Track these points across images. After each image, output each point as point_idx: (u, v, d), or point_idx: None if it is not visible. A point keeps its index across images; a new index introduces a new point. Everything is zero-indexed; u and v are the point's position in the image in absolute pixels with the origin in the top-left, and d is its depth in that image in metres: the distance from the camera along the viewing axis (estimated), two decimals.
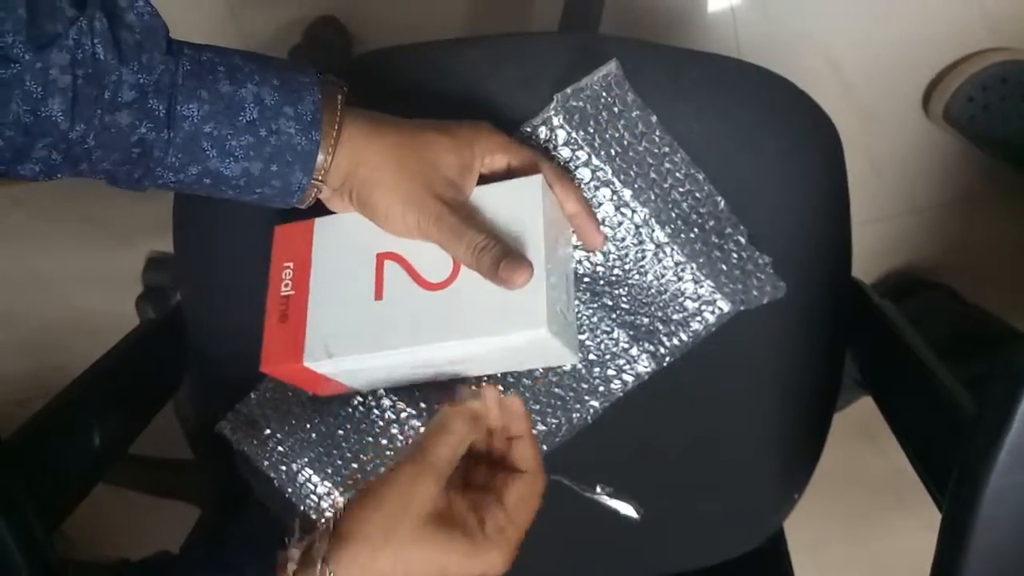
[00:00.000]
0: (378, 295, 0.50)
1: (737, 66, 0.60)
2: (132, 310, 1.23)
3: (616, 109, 0.56)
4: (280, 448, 0.62)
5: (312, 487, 0.62)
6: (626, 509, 0.63)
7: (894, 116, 1.06)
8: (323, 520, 0.44)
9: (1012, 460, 0.38)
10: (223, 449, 0.63)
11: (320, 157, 0.46)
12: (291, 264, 0.53)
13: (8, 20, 0.38)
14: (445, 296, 0.49)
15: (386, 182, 0.47)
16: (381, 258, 0.51)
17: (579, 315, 0.58)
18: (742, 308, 0.58)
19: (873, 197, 1.10)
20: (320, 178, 0.47)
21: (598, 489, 0.63)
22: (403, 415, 0.60)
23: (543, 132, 0.56)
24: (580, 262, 0.58)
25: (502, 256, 0.46)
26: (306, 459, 0.62)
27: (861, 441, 1.16)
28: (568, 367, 0.59)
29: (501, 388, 0.60)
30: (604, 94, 0.56)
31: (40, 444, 0.56)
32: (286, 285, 0.53)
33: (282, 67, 0.46)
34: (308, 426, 0.61)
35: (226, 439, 0.63)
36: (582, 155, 0.56)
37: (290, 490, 0.62)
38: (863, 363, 0.63)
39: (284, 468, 0.62)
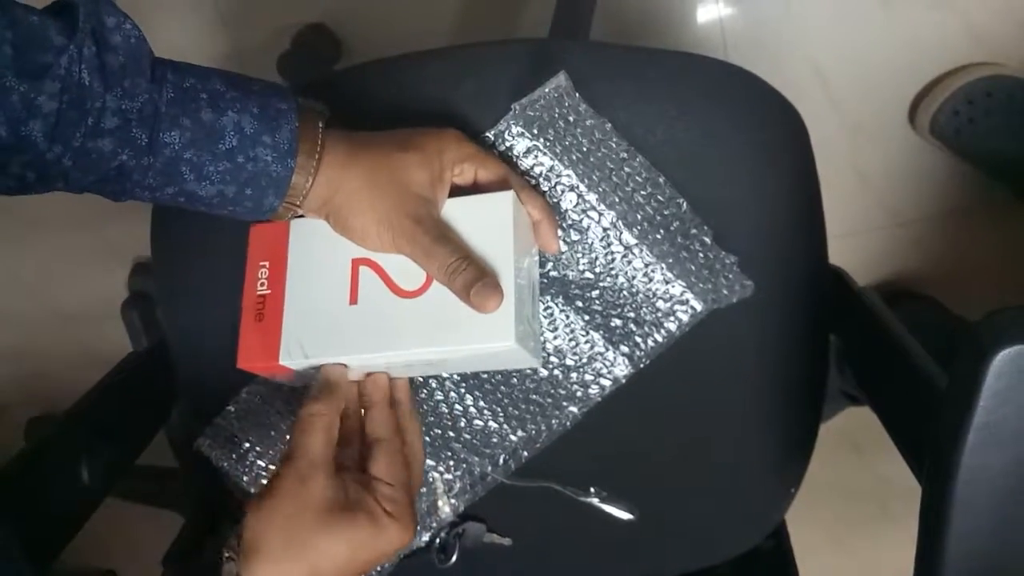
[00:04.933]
0: (352, 300, 0.51)
1: (695, 61, 0.61)
2: (117, 316, 1.22)
3: (571, 118, 0.56)
4: (260, 462, 0.63)
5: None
6: (620, 512, 0.63)
7: (880, 128, 1.06)
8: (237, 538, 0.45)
9: (981, 438, 0.39)
10: (204, 461, 0.63)
11: (298, 180, 0.47)
12: (267, 263, 0.54)
13: (5, 47, 0.38)
14: (417, 304, 0.50)
15: (361, 206, 0.49)
16: (356, 263, 0.52)
17: (553, 320, 0.59)
18: (714, 307, 0.58)
19: (859, 209, 1.10)
20: (298, 203, 0.48)
21: (592, 491, 0.63)
22: None
23: (505, 140, 0.57)
24: (552, 267, 0.58)
25: (474, 280, 0.48)
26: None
27: (847, 452, 1.17)
28: (545, 373, 0.60)
29: (475, 398, 0.60)
30: (557, 104, 0.56)
31: (27, 483, 0.56)
32: (262, 284, 0.53)
33: (263, 92, 0.47)
34: (287, 437, 0.61)
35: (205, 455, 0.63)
36: (545, 161, 0.57)
37: None
38: (847, 349, 0.63)
39: (264, 483, 0.62)
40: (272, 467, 0.62)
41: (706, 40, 1.06)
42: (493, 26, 1.09)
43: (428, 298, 0.50)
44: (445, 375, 0.61)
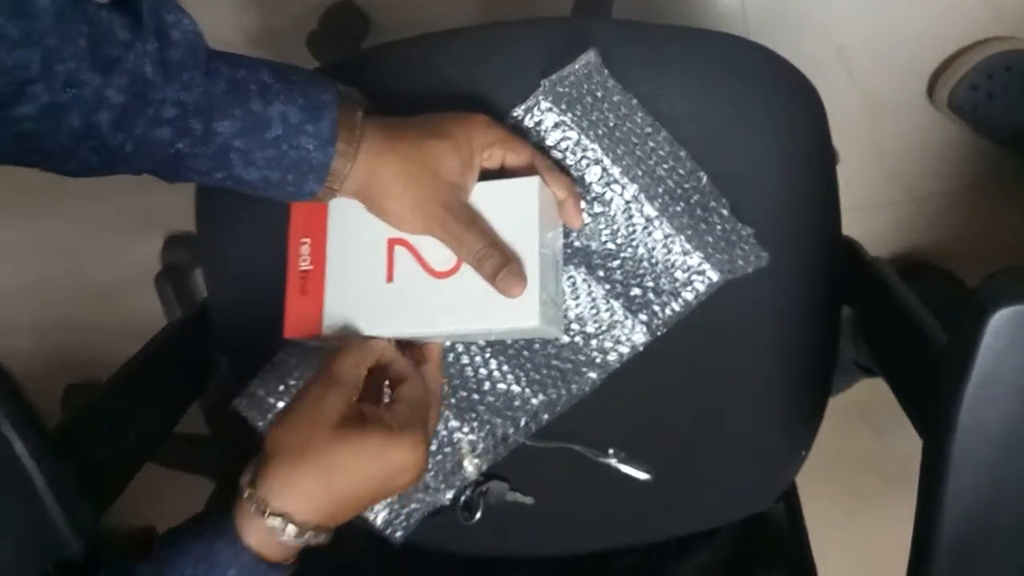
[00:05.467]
0: (389, 278, 0.55)
1: (717, 38, 0.63)
2: (149, 287, 1.27)
3: (599, 94, 0.59)
4: None
5: None
6: (637, 472, 0.66)
7: (899, 103, 1.07)
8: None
9: (979, 395, 0.41)
10: (236, 425, 0.66)
11: (337, 166, 0.50)
12: (308, 240, 0.57)
13: (69, 47, 0.41)
14: (449, 284, 0.54)
15: (395, 192, 0.52)
16: (392, 243, 0.55)
17: (576, 289, 0.62)
18: (730, 277, 0.60)
19: (877, 183, 1.12)
20: (336, 187, 0.52)
21: (610, 452, 0.66)
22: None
23: (534, 116, 0.60)
24: (576, 238, 0.61)
25: (500, 267, 0.52)
26: None
27: (858, 424, 1.19)
28: (566, 340, 0.63)
29: (499, 361, 0.64)
30: (586, 81, 0.59)
31: (80, 440, 0.59)
32: (304, 260, 0.57)
33: (307, 83, 0.50)
34: None
35: (240, 416, 0.66)
36: (572, 135, 0.59)
37: None
38: (859, 317, 0.65)
39: None
40: None
41: (727, 17, 1.07)
42: (516, 3, 1.10)
43: (459, 278, 0.54)
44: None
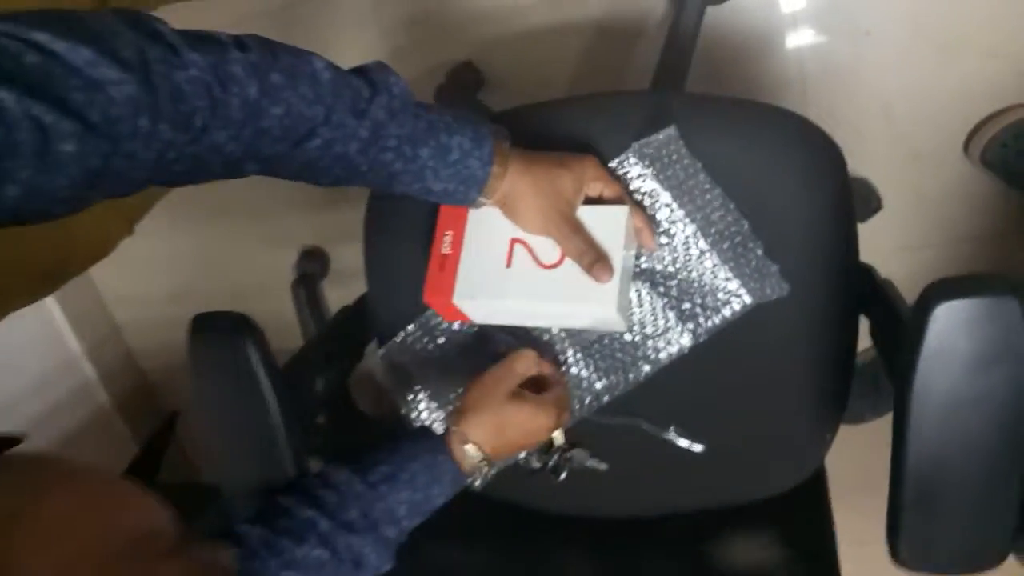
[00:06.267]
0: (508, 264, 0.73)
1: (759, 108, 0.79)
2: (282, 292, 1.43)
3: (674, 157, 0.76)
4: (421, 391, 0.86)
5: (421, 406, 0.86)
6: (694, 446, 0.81)
7: (938, 157, 1.20)
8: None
9: (928, 366, 0.57)
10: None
11: (493, 181, 0.68)
12: (450, 233, 0.76)
13: (340, 103, 0.59)
14: (552, 273, 0.72)
15: (528, 201, 0.70)
16: (513, 241, 0.74)
17: (640, 299, 0.79)
18: (759, 301, 0.76)
19: (917, 227, 1.24)
20: (488, 196, 0.70)
21: (671, 429, 0.81)
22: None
23: (624, 168, 0.77)
24: (645, 261, 0.78)
25: (595, 261, 0.70)
26: (422, 387, 0.85)
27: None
28: (628, 338, 0.80)
29: (575, 350, 0.82)
30: (665, 146, 0.76)
31: (287, 388, 0.74)
32: (445, 246, 0.76)
33: (473, 120, 0.67)
34: (432, 370, 0.85)
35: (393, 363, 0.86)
36: (651, 184, 0.77)
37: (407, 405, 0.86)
38: (874, 327, 0.77)
39: (409, 395, 0.86)
40: (419, 386, 0.85)
41: (787, 84, 1.21)
42: (603, 72, 1.26)
43: (561, 270, 0.72)
44: (555, 330, 0.82)
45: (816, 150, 0.77)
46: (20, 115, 0.43)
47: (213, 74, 0.52)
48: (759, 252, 0.76)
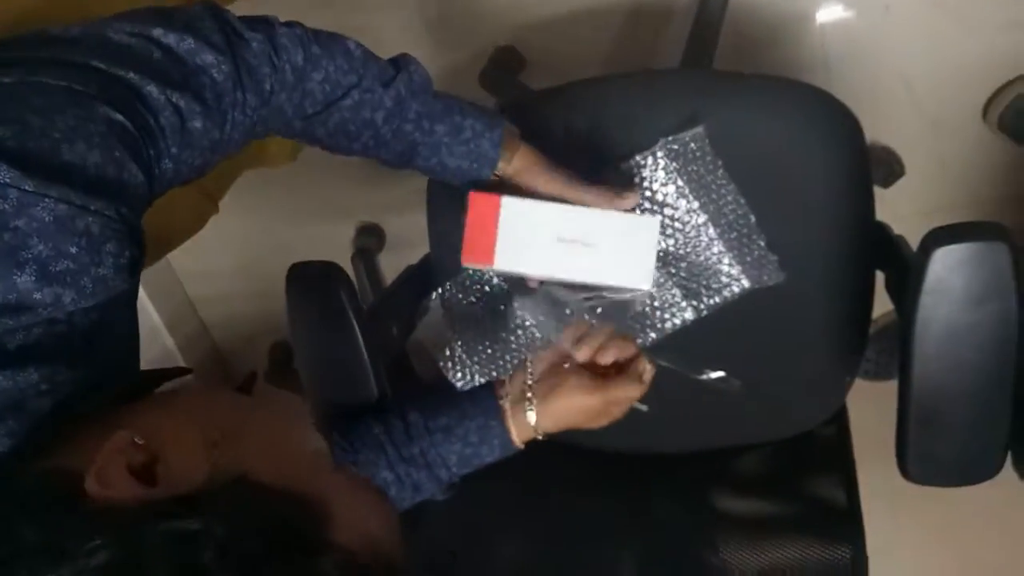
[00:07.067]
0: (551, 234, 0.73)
1: (779, 82, 0.86)
2: (346, 265, 1.40)
3: (698, 154, 0.83)
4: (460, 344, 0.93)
5: (460, 361, 0.92)
6: (729, 384, 0.84)
7: (958, 124, 1.25)
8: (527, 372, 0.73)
9: (929, 300, 0.64)
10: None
11: (502, 162, 0.72)
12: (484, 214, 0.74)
13: (369, 72, 0.66)
14: (586, 248, 0.74)
15: (541, 166, 0.74)
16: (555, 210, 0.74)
17: (655, 278, 0.83)
18: (756, 286, 0.84)
19: (939, 190, 1.30)
20: (497, 174, 0.73)
21: (706, 370, 0.86)
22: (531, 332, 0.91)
23: (651, 160, 0.85)
24: (660, 243, 0.85)
25: (616, 195, 0.73)
26: (461, 343, 0.92)
27: None
28: (639, 309, 0.87)
29: (591, 316, 0.86)
30: (691, 141, 0.83)
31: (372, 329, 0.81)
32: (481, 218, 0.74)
33: (486, 111, 0.73)
34: (467, 325, 0.92)
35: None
36: (673, 177, 0.84)
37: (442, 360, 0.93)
38: (888, 279, 0.84)
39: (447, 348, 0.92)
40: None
41: (810, 59, 1.26)
42: (638, 50, 1.31)
43: (596, 247, 0.74)
44: (577, 296, 0.84)
45: (834, 120, 0.83)
46: (164, 102, 0.53)
47: (270, 44, 0.61)
48: (761, 244, 0.84)
